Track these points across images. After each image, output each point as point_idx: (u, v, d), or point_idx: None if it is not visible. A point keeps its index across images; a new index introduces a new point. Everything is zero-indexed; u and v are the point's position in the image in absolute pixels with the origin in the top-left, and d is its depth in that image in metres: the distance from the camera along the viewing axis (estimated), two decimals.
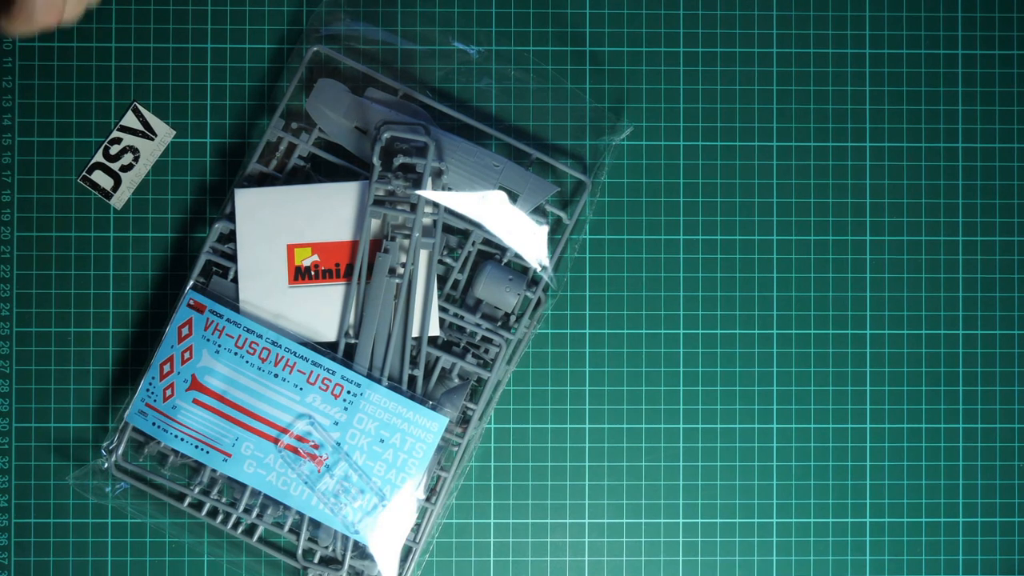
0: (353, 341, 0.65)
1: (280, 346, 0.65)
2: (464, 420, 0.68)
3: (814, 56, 0.71)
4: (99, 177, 0.70)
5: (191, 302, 0.66)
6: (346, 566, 0.66)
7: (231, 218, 0.66)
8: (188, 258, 0.70)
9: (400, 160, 0.65)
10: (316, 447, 0.64)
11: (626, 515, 0.70)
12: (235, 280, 0.67)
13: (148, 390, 0.65)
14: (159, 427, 0.65)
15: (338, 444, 0.65)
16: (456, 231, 0.68)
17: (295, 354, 0.65)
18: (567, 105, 0.70)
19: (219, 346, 0.65)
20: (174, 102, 0.70)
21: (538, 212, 0.68)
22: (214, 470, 0.67)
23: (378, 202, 0.65)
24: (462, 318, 0.67)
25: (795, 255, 0.70)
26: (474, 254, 0.68)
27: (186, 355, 0.65)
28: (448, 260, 0.67)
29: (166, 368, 0.65)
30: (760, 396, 0.70)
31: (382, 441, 0.65)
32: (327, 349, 0.66)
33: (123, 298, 0.70)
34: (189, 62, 0.70)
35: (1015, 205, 0.71)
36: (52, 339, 0.69)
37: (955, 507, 0.70)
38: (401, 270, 0.65)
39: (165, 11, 0.70)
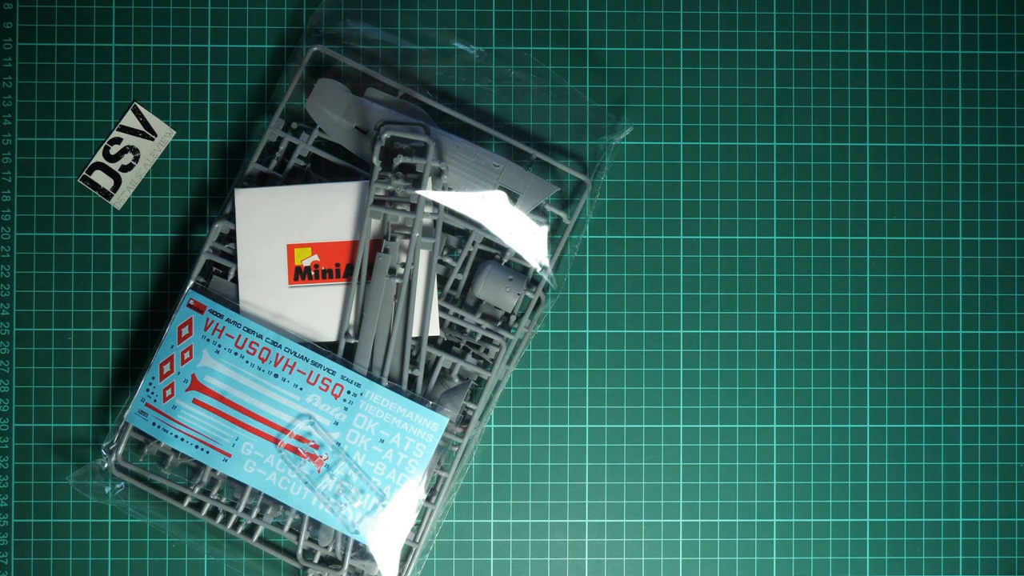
0: (353, 341, 0.65)
1: (280, 346, 0.65)
2: (464, 420, 0.68)
3: (814, 56, 0.71)
4: (99, 177, 0.70)
5: (191, 302, 0.66)
6: (346, 566, 0.66)
7: (231, 218, 0.66)
8: (188, 258, 0.70)
9: (400, 160, 0.65)
10: (316, 447, 0.64)
11: (626, 515, 0.70)
12: (235, 280, 0.67)
13: (148, 390, 0.65)
14: (159, 427, 0.65)
15: (338, 444, 0.65)
16: (456, 231, 0.68)
17: (295, 354, 0.65)
18: (567, 105, 0.70)
19: (219, 346, 0.65)
20: (174, 102, 0.70)
21: (538, 212, 0.68)
22: (214, 470, 0.67)
23: (378, 202, 0.65)
24: (462, 318, 0.67)
25: (795, 255, 0.70)
26: (474, 254, 0.68)
27: (186, 355, 0.65)
28: (448, 260, 0.67)
29: (166, 368, 0.65)
30: (760, 396, 0.70)
31: (382, 441, 0.65)
32: (327, 349, 0.66)
33: (123, 298, 0.70)
34: (189, 62, 0.70)
35: (1015, 205, 0.71)
36: (52, 339, 0.69)
37: (955, 507, 0.71)
38: (401, 270, 0.65)
39: (165, 11, 0.70)
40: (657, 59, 0.71)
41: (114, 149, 0.70)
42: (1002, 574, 0.71)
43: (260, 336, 0.65)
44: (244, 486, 0.66)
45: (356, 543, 0.66)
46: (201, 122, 0.70)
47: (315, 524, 0.67)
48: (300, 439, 0.65)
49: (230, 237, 0.67)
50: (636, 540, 0.70)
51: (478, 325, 0.67)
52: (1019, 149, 0.71)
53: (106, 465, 0.66)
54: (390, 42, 0.70)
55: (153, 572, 0.69)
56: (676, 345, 0.70)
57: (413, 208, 0.65)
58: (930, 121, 0.71)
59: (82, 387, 0.69)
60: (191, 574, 0.69)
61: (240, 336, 0.65)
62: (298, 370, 0.65)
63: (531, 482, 0.70)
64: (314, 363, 0.65)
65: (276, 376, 0.65)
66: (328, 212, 0.66)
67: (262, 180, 0.68)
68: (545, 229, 0.66)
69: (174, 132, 0.70)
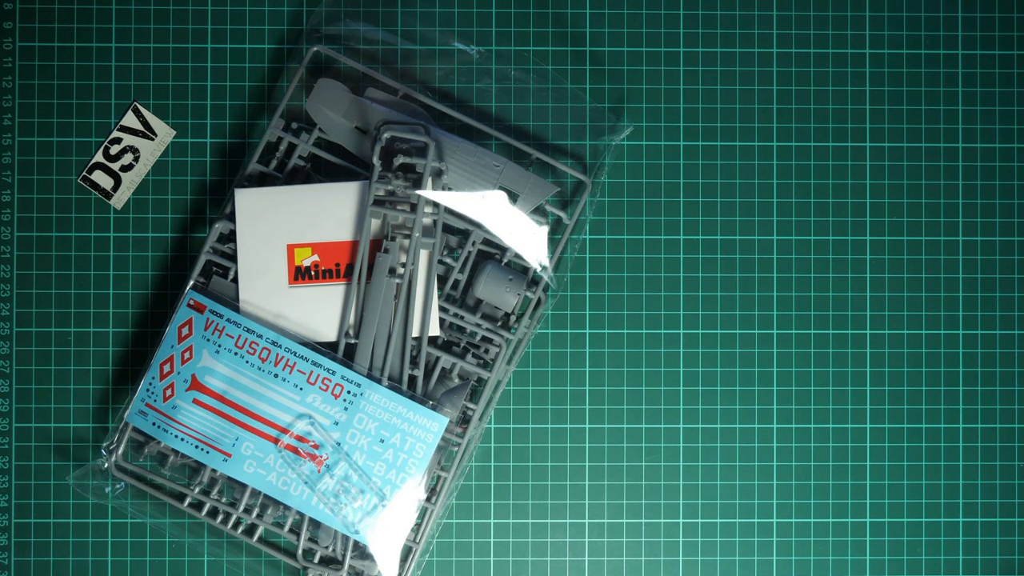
0: (353, 341, 0.65)
1: (280, 346, 0.65)
2: (464, 420, 0.68)
3: (814, 56, 0.71)
4: (99, 177, 0.70)
5: (191, 302, 0.66)
6: (346, 566, 0.66)
7: (231, 218, 0.66)
8: (188, 258, 0.70)
9: (400, 160, 0.65)
10: (316, 447, 0.64)
11: (626, 515, 0.70)
12: (235, 280, 0.67)
13: (148, 390, 0.65)
14: (159, 427, 0.65)
15: (338, 444, 0.65)
16: (456, 231, 0.68)
17: (295, 354, 0.65)
18: (567, 105, 0.70)
19: (219, 346, 0.65)
20: (174, 102, 0.70)
21: (538, 212, 0.68)
22: (214, 470, 0.67)
23: (378, 202, 0.65)
24: (462, 318, 0.67)
25: (795, 255, 0.70)
26: (474, 254, 0.68)
27: (186, 355, 0.65)
28: (448, 260, 0.67)
29: (166, 368, 0.65)
30: (760, 396, 0.70)
31: (382, 441, 0.65)
32: (327, 349, 0.66)
33: (123, 298, 0.70)
34: (189, 62, 0.70)
35: (1015, 205, 0.71)
36: (52, 339, 0.69)
37: (955, 507, 0.71)
38: (401, 270, 0.65)
39: (165, 11, 0.70)
40: (657, 59, 0.71)
41: (114, 149, 0.70)
42: (1002, 574, 0.71)
43: (260, 336, 0.65)
44: (244, 486, 0.66)
45: (356, 543, 0.66)
46: (201, 122, 0.70)
47: (315, 524, 0.67)
48: (300, 439, 0.65)
49: (230, 237, 0.67)
50: (636, 540, 0.70)
51: (478, 325, 0.67)
52: (1019, 149, 0.71)
53: (106, 465, 0.66)
54: (390, 42, 0.70)
55: (153, 572, 0.69)
56: (676, 345, 0.70)
57: (413, 208, 0.65)
58: (930, 121, 0.71)
59: (82, 387, 0.69)
60: (191, 574, 0.69)
61: (240, 336, 0.65)
62: (298, 370, 0.65)
63: (531, 482, 0.70)
64: (314, 363, 0.65)
65: (276, 376, 0.65)
66: (328, 212, 0.66)
67: (262, 180, 0.68)
68: (545, 229, 0.66)
69: (174, 132, 0.70)
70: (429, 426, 0.65)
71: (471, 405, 0.67)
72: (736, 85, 0.71)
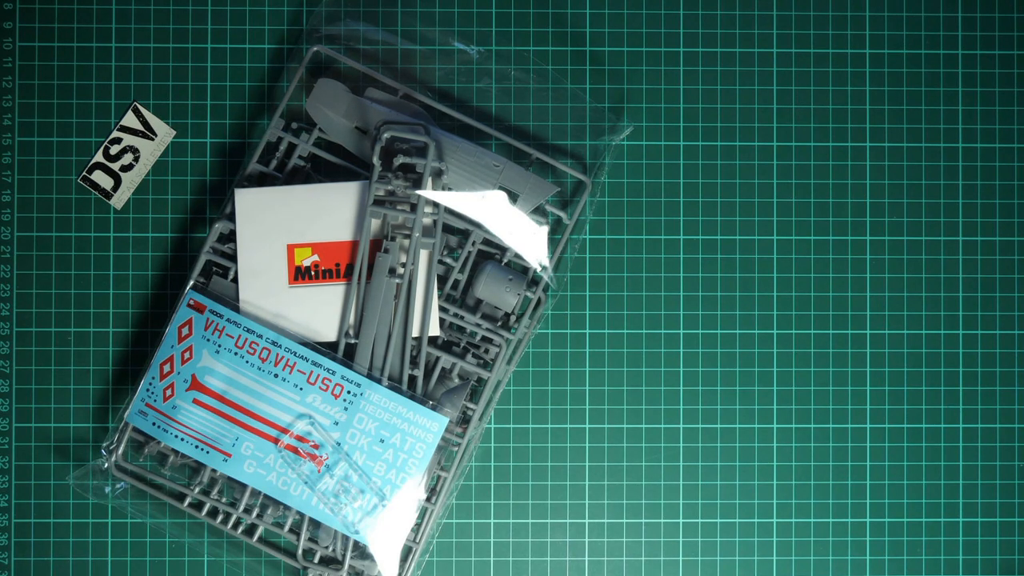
0: (353, 341, 0.65)
1: (280, 346, 0.65)
2: (464, 420, 0.68)
3: (814, 56, 0.71)
4: (99, 177, 0.70)
5: (191, 302, 0.66)
6: (346, 566, 0.66)
7: (231, 218, 0.66)
8: (188, 258, 0.70)
9: (400, 160, 0.65)
10: (316, 447, 0.64)
11: (626, 515, 0.70)
12: (235, 280, 0.67)
13: (148, 390, 0.65)
14: (159, 427, 0.65)
15: (338, 444, 0.65)
16: (456, 231, 0.69)
17: (295, 354, 0.65)
18: (567, 105, 0.70)
19: (219, 346, 0.65)
20: (174, 102, 0.70)
21: (538, 212, 0.68)
22: (214, 470, 0.67)
23: (378, 202, 0.65)
24: (462, 318, 0.67)
25: (795, 255, 0.70)
26: (474, 254, 0.68)
27: (186, 355, 0.65)
28: (448, 260, 0.67)
29: (166, 368, 0.65)
30: (760, 396, 0.70)
31: (382, 441, 0.65)
32: (327, 349, 0.66)
33: (123, 298, 0.70)
34: (189, 62, 0.70)
35: (1015, 205, 0.71)
36: (52, 339, 0.69)
37: (955, 507, 0.71)
38: (401, 270, 0.65)
39: (165, 11, 0.70)
40: (657, 59, 0.71)
41: (114, 149, 0.70)
42: (1002, 574, 0.71)
43: (260, 336, 0.65)
44: (244, 486, 0.66)
45: (356, 543, 0.66)
46: (201, 122, 0.70)
47: (315, 524, 0.67)
48: (300, 439, 0.65)
49: (230, 237, 0.67)
50: (636, 540, 0.70)
51: (478, 325, 0.67)
52: (1019, 149, 0.71)
53: (106, 465, 0.66)
54: (390, 42, 0.70)
55: (153, 572, 0.69)
56: (676, 345, 0.70)
57: (413, 208, 0.65)
58: (930, 121, 0.71)
59: (82, 387, 0.69)
60: (191, 574, 0.69)
61: (240, 336, 0.65)
62: (298, 370, 0.65)
63: (531, 482, 0.70)
64: (314, 363, 0.65)
65: (276, 376, 0.65)
66: (328, 212, 0.66)
67: (262, 180, 0.68)
68: (545, 229, 0.66)
69: (174, 132, 0.70)
70: (429, 426, 0.65)
71: (471, 405, 0.67)
72: (736, 85, 0.71)
